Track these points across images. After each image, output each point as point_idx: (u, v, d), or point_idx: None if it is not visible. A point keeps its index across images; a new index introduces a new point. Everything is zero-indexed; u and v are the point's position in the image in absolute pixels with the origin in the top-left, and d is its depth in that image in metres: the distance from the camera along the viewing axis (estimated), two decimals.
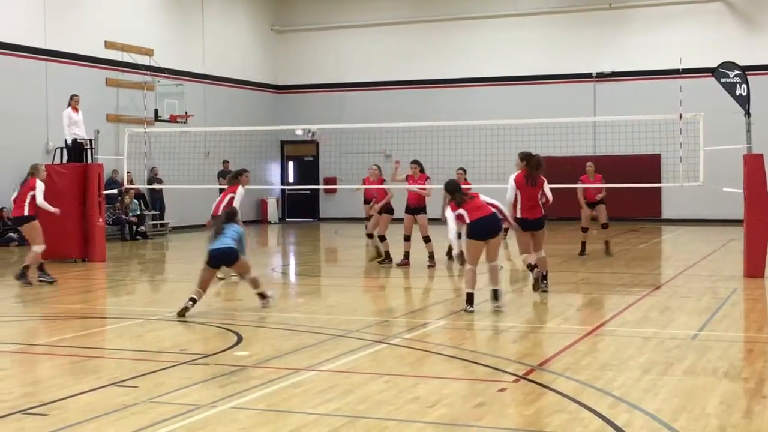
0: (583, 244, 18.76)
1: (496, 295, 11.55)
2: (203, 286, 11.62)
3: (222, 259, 11.78)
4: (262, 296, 11.98)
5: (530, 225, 12.98)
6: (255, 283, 12.04)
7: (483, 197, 11.78)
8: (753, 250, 14.80)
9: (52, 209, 15.39)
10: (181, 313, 11.24)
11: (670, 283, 14.60)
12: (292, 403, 7.26)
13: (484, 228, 11.39)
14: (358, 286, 15.15)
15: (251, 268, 12.08)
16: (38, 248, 14.74)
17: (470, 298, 11.44)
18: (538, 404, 7.02)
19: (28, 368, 8.61)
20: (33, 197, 14.91)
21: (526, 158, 13.16)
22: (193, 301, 11.40)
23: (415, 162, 17.36)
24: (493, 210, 11.62)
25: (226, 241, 11.77)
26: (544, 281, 13.09)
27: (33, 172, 15.30)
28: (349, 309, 12.89)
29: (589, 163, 18.95)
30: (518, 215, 12.89)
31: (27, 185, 15.17)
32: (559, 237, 23.55)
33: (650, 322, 10.95)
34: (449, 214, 11.57)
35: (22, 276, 14.54)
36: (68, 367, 8.81)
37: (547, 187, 13.24)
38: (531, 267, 12.88)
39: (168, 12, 29.15)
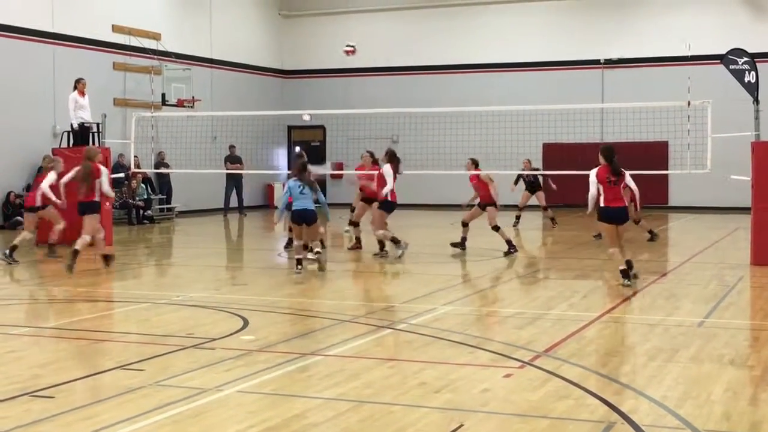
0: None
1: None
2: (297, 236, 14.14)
3: (303, 218, 13.92)
4: (311, 251, 14.21)
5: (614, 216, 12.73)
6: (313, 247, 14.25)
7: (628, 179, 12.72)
8: (760, 237, 14.78)
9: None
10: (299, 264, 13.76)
11: (677, 271, 14.59)
12: (298, 387, 7.28)
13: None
14: (365, 271, 15.16)
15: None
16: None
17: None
18: (544, 390, 7.03)
19: (35, 351, 8.64)
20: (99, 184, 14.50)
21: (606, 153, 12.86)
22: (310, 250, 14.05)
23: (369, 152, 17.50)
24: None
25: (307, 203, 13.92)
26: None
27: (90, 159, 14.78)
28: (355, 294, 12.91)
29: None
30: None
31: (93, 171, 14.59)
32: (566, 223, 23.54)
33: (656, 309, 10.95)
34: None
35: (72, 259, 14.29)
36: (75, 350, 8.85)
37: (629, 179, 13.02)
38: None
39: None
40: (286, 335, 9.35)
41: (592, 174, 12.61)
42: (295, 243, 14.30)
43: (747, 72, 15.97)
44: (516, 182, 22.49)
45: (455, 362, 8.17)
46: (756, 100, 15.53)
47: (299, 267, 13.86)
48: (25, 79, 23.44)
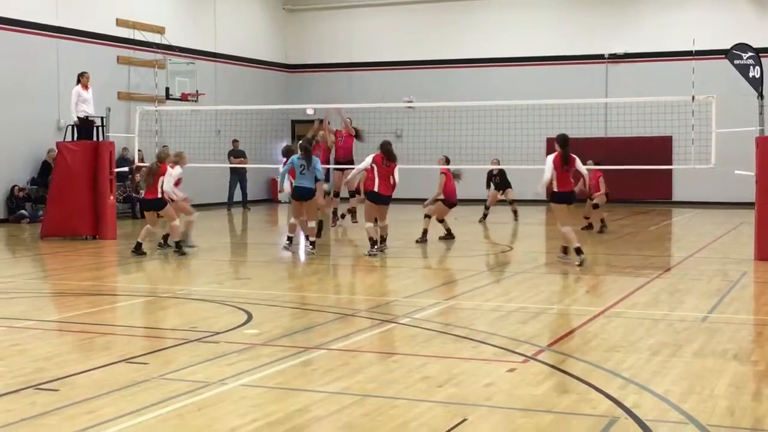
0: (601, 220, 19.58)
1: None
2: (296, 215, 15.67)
3: (302, 195, 15.42)
4: (312, 243, 15.49)
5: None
6: (311, 230, 15.43)
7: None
8: (764, 233, 14.76)
9: (179, 195, 16.10)
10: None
11: (681, 266, 14.58)
12: (301, 381, 7.29)
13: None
14: (368, 265, 15.16)
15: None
16: (176, 223, 15.75)
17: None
18: (547, 385, 7.04)
19: (39, 344, 8.66)
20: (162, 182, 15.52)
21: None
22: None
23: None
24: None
25: (306, 182, 15.24)
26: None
27: (176, 159, 16.05)
28: (359, 288, 12.92)
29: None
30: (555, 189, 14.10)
31: (159, 172, 15.58)
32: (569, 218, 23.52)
33: (660, 304, 10.94)
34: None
35: (178, 247, 15.62)
36: (79, 343, 8.86)
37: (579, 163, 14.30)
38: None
39: None
40: (289, 329, 9.36)
41: (549, 160, 13.99)
42: (292, 220, 15.86)
43: (752, 67, 15.92)
44: (488, 185, 22.47)
45: (459, 356, 8.18)
46: (760, 95, 15.50)
47: (288, 243, 15.76)
48: (29, 73, 23.45)
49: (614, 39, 30.21)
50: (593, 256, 15.98)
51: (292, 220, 16.12)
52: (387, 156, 15.42)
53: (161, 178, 15.47)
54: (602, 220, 19.53)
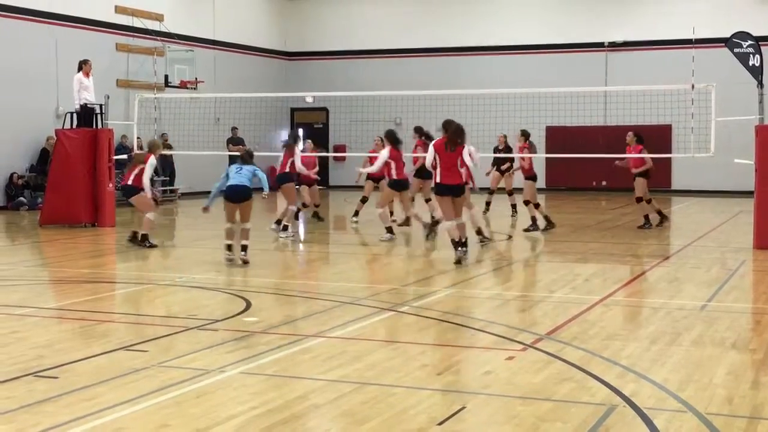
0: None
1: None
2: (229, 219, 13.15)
3: (237, 194, 13.11)
4: (243, 249, 13.05)
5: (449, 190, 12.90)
6: (246, 234, 13.12)
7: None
8: (763, 221, 14.76)
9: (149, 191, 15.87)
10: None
11: (679, 254, 14.58)
12: (300, 369, 7.29)
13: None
14: (367, 253, 15.17)
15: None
16: (151, 215, 15.18)
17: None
18: (546, 373, 7.04)
19: (38, 331, 8.66)
20: (141, 171, 15.14)
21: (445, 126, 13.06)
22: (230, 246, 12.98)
23: (380, 138, 17.37)
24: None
25: (242, 179, 13.11)
26: (462, 248, 13.07)
27: (150, 148, 15.69)
28: (357, 276, 12.92)
29: (629, 133, 18.24)
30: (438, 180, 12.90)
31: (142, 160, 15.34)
32: (569, 207, 23.53)
33: (659, 292, 10.95)
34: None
35: (135, 240, 15.08)
36: (78, 330, 8.87)
37: (466, 153, 12.92)
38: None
39: None
40: (288, 317, 9.37)
41: (430, 147, 12.98)
42: (227, 226, 13.11)
43: (751, 55, 15.90)
44: (493, 164, 20.94)
45: (457, 345, 8.19)
46: (760, 84, 15.49)
47: (229, 253, 12.99)
48: (28, 61, 23.40)
49: (614, 27, 30.18)
50: (593, 245, 15.97)
51: (227, 225, 13.25)
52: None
53: (140, 167, 15.06)
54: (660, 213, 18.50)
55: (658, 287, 11.30)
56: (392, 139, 16.04)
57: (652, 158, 17.97)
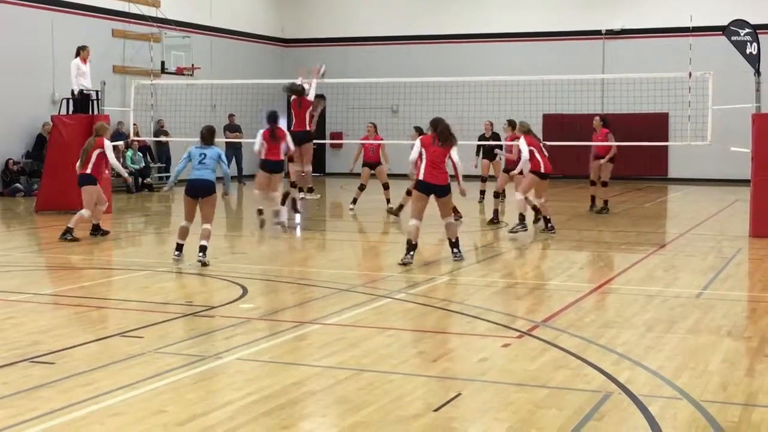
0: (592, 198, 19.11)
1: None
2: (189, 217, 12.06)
3: (199, 189, 11.89)
4: (201, 250, 11.69)
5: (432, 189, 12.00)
6: (206, 234, 11.82)
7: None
8: (759, 210, 14.77)
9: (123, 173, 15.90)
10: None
11: (676, 242, 14.60)
12: (296, 355, 7.30)
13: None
14: (363, 240, 15.17)
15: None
16: (85, 212, 14.34)
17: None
18: (542, 360, 7.06)
19: (34, 318, 8.66)
20: (99, 156, 14.45)
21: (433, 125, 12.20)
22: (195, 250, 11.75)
23: (372, 124, 18.52)
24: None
25: (206, 173, 11.90)
26: (456, 250, 12.24)
27: (98, 132, 14.75)
28: (354, 263, 12.93)
29: (596, 118, 18.99)
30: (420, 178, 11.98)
31: (95, 145, 14.55)
32: (565, 194, 23.55)
33: (655, 280, 10.97)
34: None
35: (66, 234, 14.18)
36: (74, 317, 8.87)
37: (455, 152, 12.14)
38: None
39: None
40: (285, 304, 9.38)
41: (417, 142, 12.11)
42: (182, 223, 12.04)
43: (749, 43, 15.89)
44: (477, 153, 20.64)
45: (454, 331, 8.21)
46: (757, 72, 15.48)
47: (177, 254, 11.95)
48: (24, 47, 23.33)
49: (611, 15, 30.12)
50: (589, 233, 15.98)
51: (183, 223, 12.18)
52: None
53: (96, 152, 14.35)
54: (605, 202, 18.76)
55: (654, 275, 11.32)
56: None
57: (618, 145, 18.62)
